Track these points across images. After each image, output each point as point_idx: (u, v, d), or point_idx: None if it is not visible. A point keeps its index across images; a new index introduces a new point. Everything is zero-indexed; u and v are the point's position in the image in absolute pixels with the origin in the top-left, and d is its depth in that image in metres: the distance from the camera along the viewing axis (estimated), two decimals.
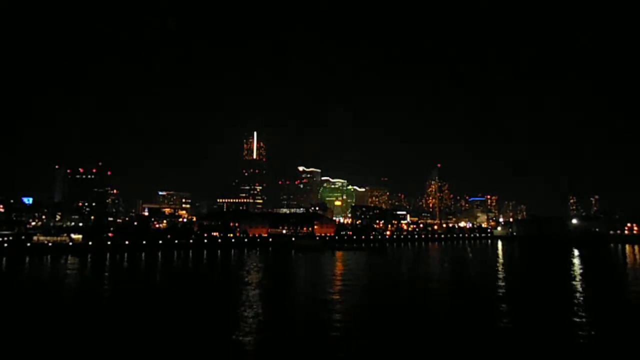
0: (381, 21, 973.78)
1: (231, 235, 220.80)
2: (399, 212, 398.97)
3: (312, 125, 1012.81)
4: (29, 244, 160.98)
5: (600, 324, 55.92)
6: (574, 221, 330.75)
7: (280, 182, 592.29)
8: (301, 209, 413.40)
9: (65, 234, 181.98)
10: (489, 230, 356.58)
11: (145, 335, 49.36)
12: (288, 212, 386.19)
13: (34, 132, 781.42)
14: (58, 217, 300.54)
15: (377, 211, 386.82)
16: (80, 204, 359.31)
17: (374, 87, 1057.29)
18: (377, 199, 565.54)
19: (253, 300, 71.31)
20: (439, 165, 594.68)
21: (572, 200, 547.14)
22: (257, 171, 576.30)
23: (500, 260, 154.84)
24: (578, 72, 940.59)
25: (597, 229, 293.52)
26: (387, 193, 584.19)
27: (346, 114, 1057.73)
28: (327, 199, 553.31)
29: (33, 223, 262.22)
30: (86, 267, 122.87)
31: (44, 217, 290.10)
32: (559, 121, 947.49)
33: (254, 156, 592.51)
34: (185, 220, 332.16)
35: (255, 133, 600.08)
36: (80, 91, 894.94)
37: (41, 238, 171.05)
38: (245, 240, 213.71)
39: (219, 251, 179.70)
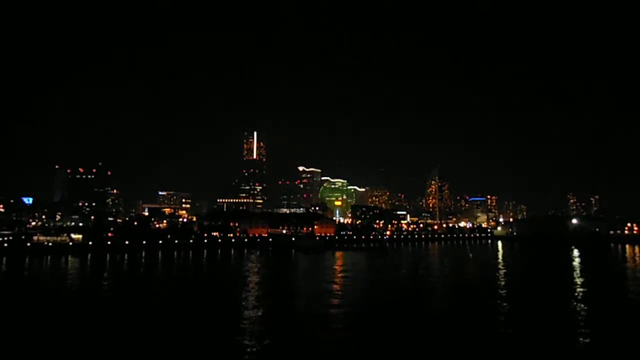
0: (381, 20, 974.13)
1: (231, 235, 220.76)
2: (399, 212, 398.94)
3: (313, 125, 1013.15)
4: (29, 244, 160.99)
5: (599, 323, 55.89)
6: (574, 221, 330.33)
7: (280, 182, 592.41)
8: (301, 209, 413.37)
9: (65, 234, 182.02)
10: (489, 230, 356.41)
11: (145, 335, 49.34)
12: (288, 212, 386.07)
13: (33, 132, 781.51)
14: (58, 217, 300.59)
15: (377, 211, 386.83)
16: (80, 204, 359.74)
17: (374, 87, 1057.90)
18: (377, 199, 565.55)
19: (253, 301, 71.28)
20: (439, 165, 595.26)
21: (572, 200, 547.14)
22: (257, 171, 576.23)
23: (500, 260, 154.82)
24: (577, 72, 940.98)
25: (597, 229, 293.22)
26: (387, 193, 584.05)
27: (346, 114, 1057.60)
28: (327, 199, 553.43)
29: (33, 223, 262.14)
30: (86, 267, 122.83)
31: (44, 217, 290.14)
32: (560, 121, 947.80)
33: (254, 156, 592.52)
34: (185, 220, 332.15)
35: (255, 133, 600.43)
36: (80, 91, 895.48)
37: (41, 238, 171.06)
38: (245, 240, 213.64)
39: (219, 251, 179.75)
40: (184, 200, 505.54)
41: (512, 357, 43.31)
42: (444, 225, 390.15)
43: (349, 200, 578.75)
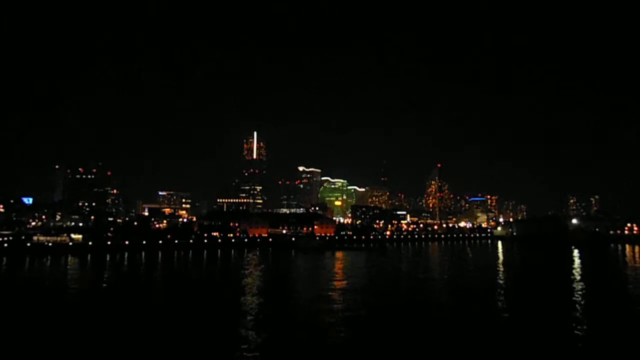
0: (380, 20, 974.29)
1: (231, 235, 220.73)
2: (399, 212, 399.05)
3: (312, 125, 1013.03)
4: (29, 244, 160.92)
5: (599, 324, 55.90)
6: (574, 221, 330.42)
7: (280, 182, 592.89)
8: (301, 209, 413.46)
9: (65, 234, 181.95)
10: (489, 230, 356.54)
11: (145, 336, 49.35)
12: (288, 212, 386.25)
13: (34, 132, 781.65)
14: (58, 217, 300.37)
15: (377, 211, 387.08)
16: (80, 204, 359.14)
17: (374, 87, 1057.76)
18: (377, 199, 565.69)
19: (252, 301, 71.29)
20: (439, 165, 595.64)
21: (572, 200, 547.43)
22: (257, 171, 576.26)
23: (500, 260, 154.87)
24: (578, 72, 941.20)
25: (597, 229, 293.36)
26: (387, 193, 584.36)
27: (347, 113, 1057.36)
28: (327, 199, 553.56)
29: (33, 223, 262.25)
30: (86, 267, 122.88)
31: (44, 217, 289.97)
32: (560, 121, 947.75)
33: (254, 156, 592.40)
34: (185, 220, 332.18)
35: (255, 133, 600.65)
36: (80, 91, 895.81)
37: (41, 238, 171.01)
38: (245, 240, 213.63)
39: (219, 251, 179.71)
40: (184, 200, 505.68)
41: (513, 358, 43.33)
42: (444, 225, 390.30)
43: (349, 200, 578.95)
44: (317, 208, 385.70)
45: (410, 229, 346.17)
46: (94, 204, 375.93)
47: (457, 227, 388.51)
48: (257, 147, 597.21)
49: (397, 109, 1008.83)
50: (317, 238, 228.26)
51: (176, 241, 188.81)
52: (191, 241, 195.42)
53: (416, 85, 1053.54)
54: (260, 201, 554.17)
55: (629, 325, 55.15)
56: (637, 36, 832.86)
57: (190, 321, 55.48)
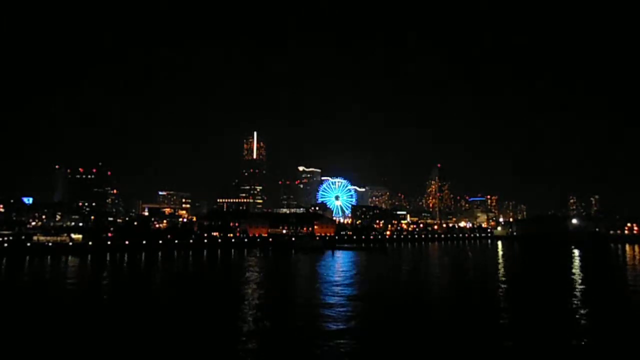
0: (379, 20, 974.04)
1: (231, 235, 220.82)
2: (399, 212, 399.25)
3: (312, 125, 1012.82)
4: (29, 244, 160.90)
5: (599, 323, 55.88)
6: (574, 221, 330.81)
7: (280, 182, 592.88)
8: (301, 209, 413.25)
9: (65, 234, 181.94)
10: (489, 230, 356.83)
11: (145, 336, 49.33)
12: (288, 212, 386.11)
13: (34, 132, 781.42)
14: (58, 217, 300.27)
15: (377, 211, 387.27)
16: (80, 204, 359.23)
17: (375, 87, 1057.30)
18: (377, 199, 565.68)
19: (253, 301, 71.30)
20: (439, 165, 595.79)
21: (572, 200, 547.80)
22: (257, 171, 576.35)
23: (500, 260, 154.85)
24: (578, 72, 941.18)
25: (597, 229, 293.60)
26: (387, 193, 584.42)
27: (347, 113, 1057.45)
28: None
29: (33, 223, 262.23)
30: (86, 267, 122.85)
31: (44, 217, 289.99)
32: (559, 121, 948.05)
33: (254, 156, 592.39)
34: (185, 220, 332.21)
35: (255, 133, 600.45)
36: (80, 91, 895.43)
37: (41, 238, 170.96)
38: (245, 240, 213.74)
39: (219, 251, 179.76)
40: (184, 200, 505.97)
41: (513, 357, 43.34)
42: (444, 225, 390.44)
43: None
44: (317, 208, 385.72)
45: (410, 229, 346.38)
46: (94, 204, 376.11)
47: (457, 227, 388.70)
48: (257, 147, 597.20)
49: (397, 108, 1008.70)
50: (317, 238, 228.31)
51: (176, 241, 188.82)
52: (191, 241, 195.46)
53: (416, 85, 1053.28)
54: (260, 201, 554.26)
55: (630, 324, 55.12)
56: (637, 36, 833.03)
57: (189, 322, 55.43)
